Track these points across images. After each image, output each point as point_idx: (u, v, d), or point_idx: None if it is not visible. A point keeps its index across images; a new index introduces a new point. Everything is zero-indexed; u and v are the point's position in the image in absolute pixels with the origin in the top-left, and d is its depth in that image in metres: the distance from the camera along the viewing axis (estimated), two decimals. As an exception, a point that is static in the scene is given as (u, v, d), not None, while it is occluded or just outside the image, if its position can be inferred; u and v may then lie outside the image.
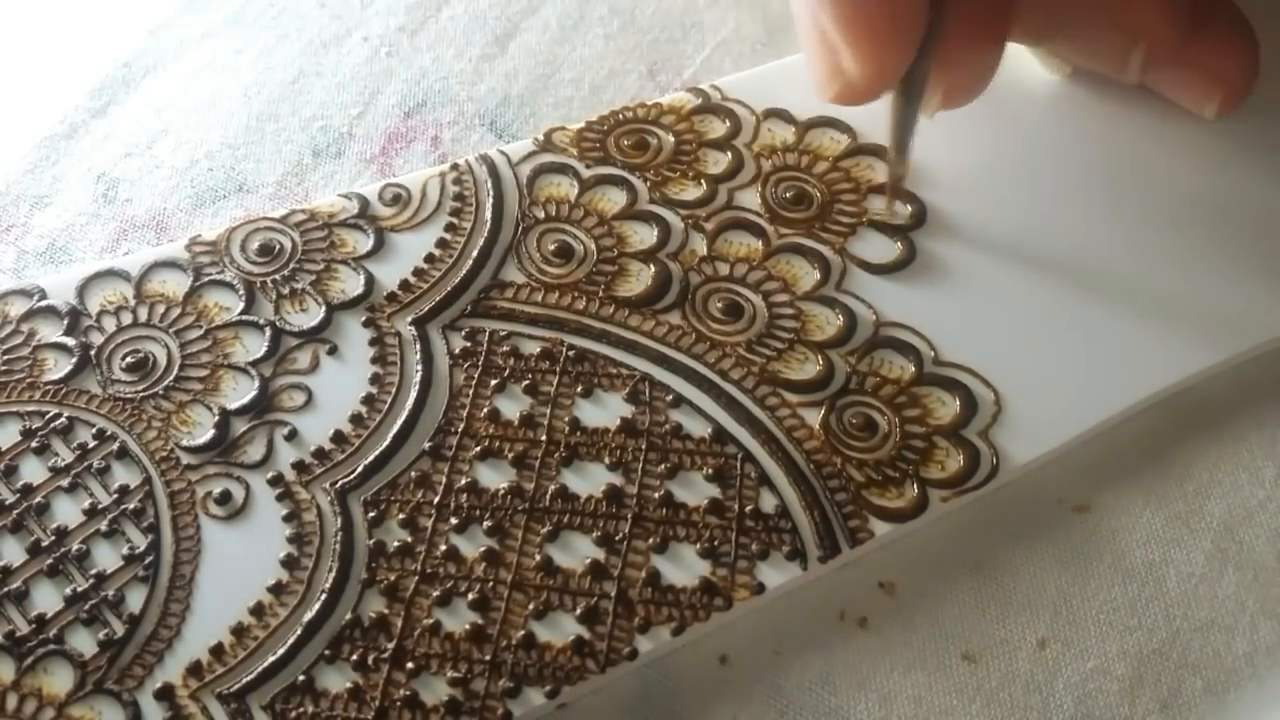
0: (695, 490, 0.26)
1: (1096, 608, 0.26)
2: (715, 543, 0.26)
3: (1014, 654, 0.25)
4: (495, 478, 0.26)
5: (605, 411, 0.27)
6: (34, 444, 0.26)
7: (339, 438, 0.27)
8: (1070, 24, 0.31)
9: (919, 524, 0.26)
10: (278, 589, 0.25)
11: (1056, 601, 0.26)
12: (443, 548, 0.25)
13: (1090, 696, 0.25)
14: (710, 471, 0.26)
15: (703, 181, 0.31)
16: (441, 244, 0.30)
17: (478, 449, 0.27)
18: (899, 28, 0.27)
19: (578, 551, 0.25)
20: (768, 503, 0.26)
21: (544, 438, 0.27)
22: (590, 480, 0.26)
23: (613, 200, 0.31)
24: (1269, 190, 0.32)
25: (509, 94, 0.34)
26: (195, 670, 0.24)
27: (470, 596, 0.25)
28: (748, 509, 0.26)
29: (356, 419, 0.27)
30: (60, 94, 0.34)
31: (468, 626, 0.24)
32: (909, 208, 0.31)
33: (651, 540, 0.26)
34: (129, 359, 0.28)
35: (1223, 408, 0.29)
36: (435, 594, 0.25)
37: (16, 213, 0.32)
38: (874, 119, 0.31)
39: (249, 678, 0.24)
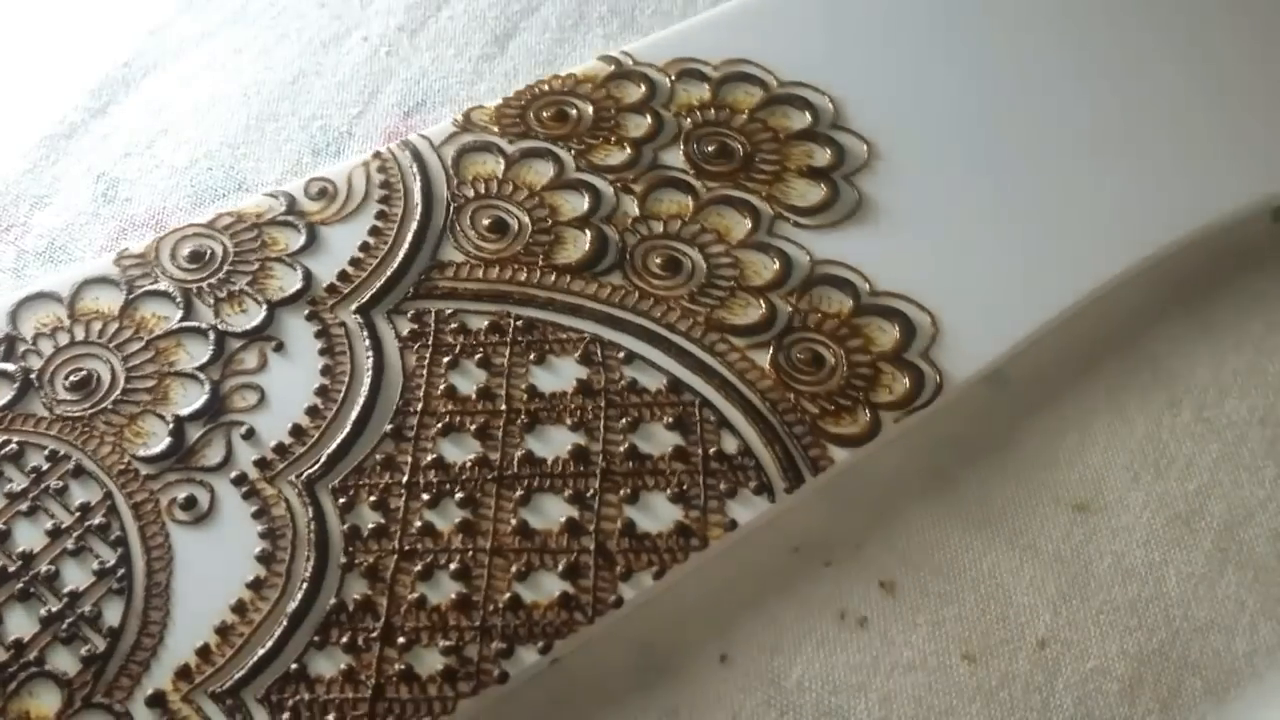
0: (658, 440, 0.27)
1: (1096, 608, 0.26)
2: (684, 487, 0.26)
3: (1014, 654, 0.25)
4: (460, 452, 0.27)
5: (560, 376, 0.28)
6: (-15, 473, 0.26)
7: (297, 431, 0.27)
8: None
9: (876, 446, 0.27)
10: (257, 584, 0.25)
11: (1056, 601, 0.26)
12: (417, 524, 0.26)
13: (1090, 696, 0.25)
14: (670, 420, 0.27)
15: (626, 145, 0.32)
16: (374, 232, 0.30)
17: (439, 426, 0.27)
18: None
19: (551, 512, 0.26)
20: (730, 444, 0.27)
21: (503, 407, 0.27)
22: (554, 443, 0.27)
23: (540, 172, 0.31)
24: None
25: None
26: (184, 674, 0.24)
27: (452, 567, 0.25)
28: (711, 451, 0.27)
29: (313, 411, 0.27)
30: (60, 94, 0.34)
31: (453, 596, 0.25)
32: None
33: (622, 492, 0.26)
34: (72, 378, 0.27)
35: (1225, 407, 0.29)
36: (416, 569, 0.25)
37: (16, 212, 0.32)
38: (788, 63, 0.32)
39: (240, 673, 0.24)
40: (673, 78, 0.33)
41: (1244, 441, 0.29)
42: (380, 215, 0.30)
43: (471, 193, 0.31)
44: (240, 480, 0.26)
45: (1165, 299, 0.31)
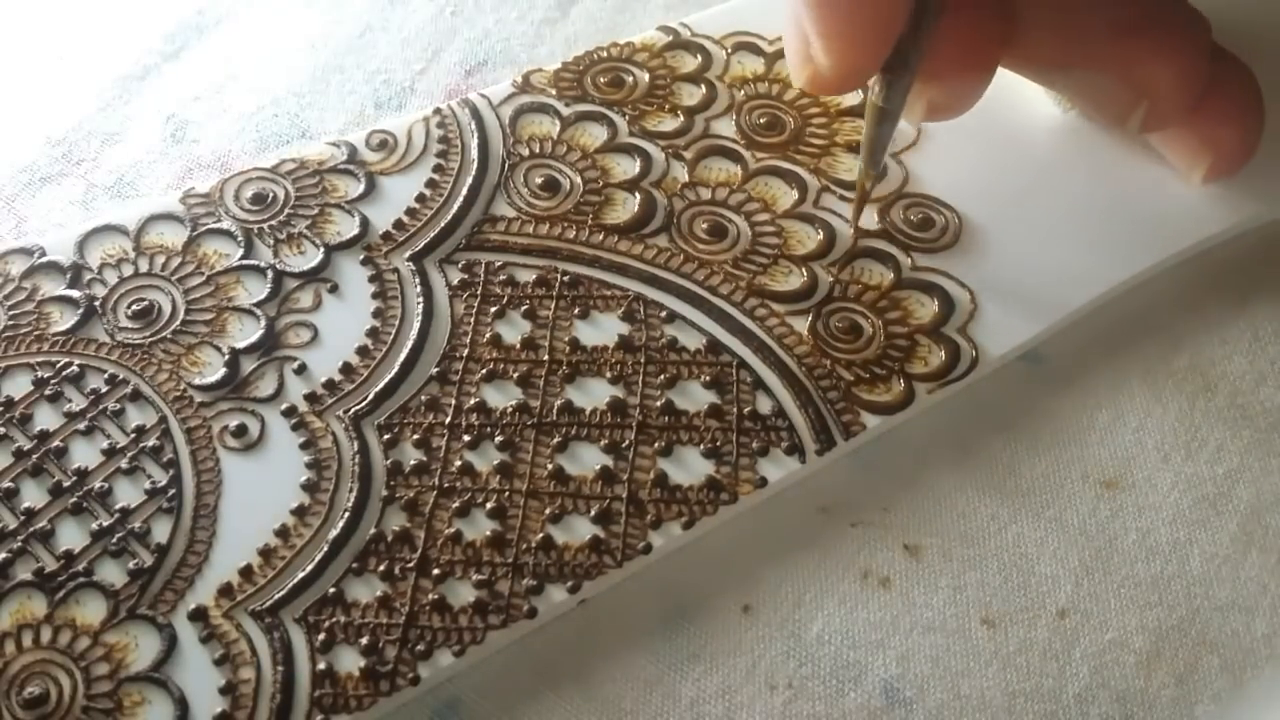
0: (694, 398, 0.28)
1: (1119, 582, 0.26)
2: (717, 443, 0.27)
3: (1033, 622, 0.26)
4: (501, 398, 0.27)
5: (602, 331, 0.29)
6: (47, 392, 0.27)
7: (347, 369, 0.28)
8: (1075, 68, 0.30)
9: (908, 415, 0.28)
10: (300, 511, 0.26)
11: (1079, 573, 0.26)
12: (457, 464, 0.26)
13: (1106, 667, 0.25)
14: (707, 379, 0.28)
15: (679, 113, 0.33)
16: (431, 184, 0.31)
17: (483, 372, 0.28)
18: (868, 28, 0.26)
19: (587, 460, 0.27)
20: (764, 404, 0.27)
21: (546, 358, 0.28)
22: (593, 395, 0.28)
23: (594, 135, 0.32)
24: None
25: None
26: (226, 591, 0.24)
27: (488, 506, 0.26)
28: (745, 411, 0.27)
29: (363, 351, 0.28)
30: (135, 37, 0.36)
31: (488, 534, 0.25)
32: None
33: (656, 445, 0.27)
34: (134, 307, 0.28)
35: (1260, 395, 0.29)
36: (454, 506, 0.26)
37: (88, 147, 0.33)
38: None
39: (280, 594, 0.24)
40: (729, 50, 0.34)
41: (1276, 429, 0.29)
42: (437, 169, 0.31)
43: (526, 152, 0.32)
44: (290, 412, 0.27)
45: (1207, 285, 0.31)
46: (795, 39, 0.28)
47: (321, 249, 0.29)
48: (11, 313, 0.28)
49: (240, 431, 0.27)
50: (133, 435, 0.26)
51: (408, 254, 0.30)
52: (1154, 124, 0.30)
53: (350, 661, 0.24)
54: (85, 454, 0.26)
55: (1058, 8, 0.29)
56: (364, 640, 0.24)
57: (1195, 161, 0.31)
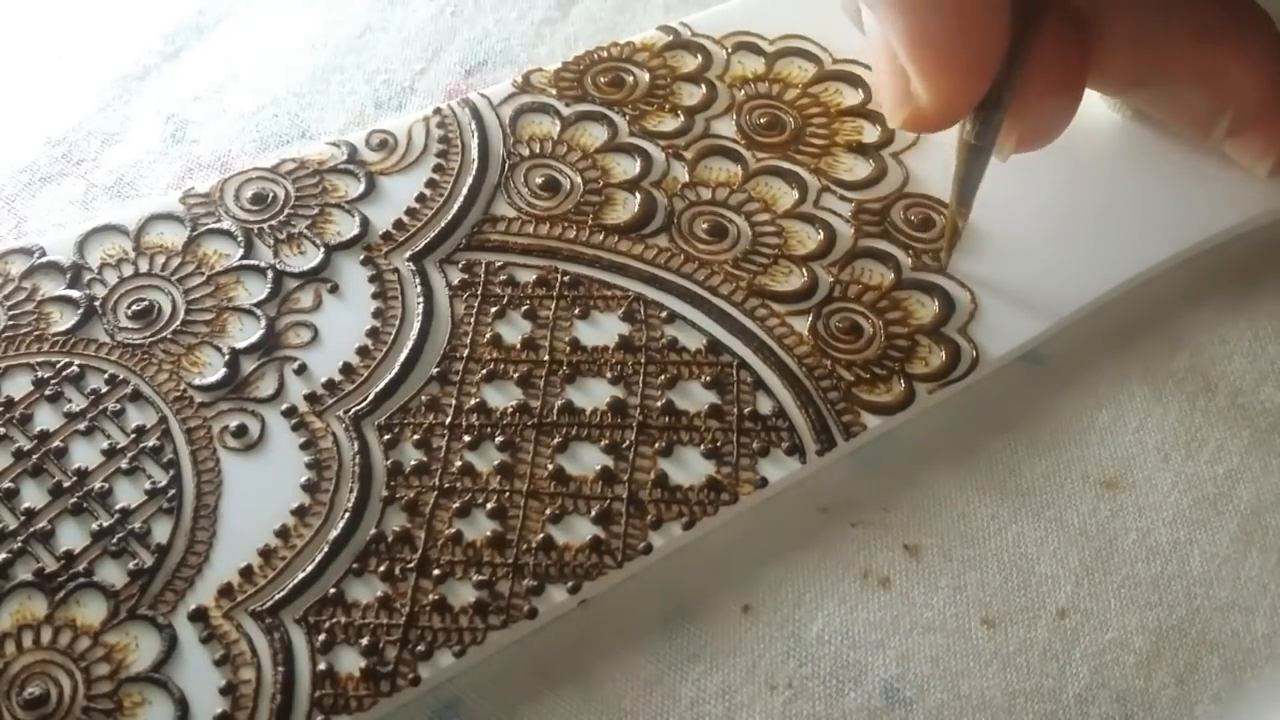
0: (694, 398, 0.28)
1: (1119, 582, 0.26)
2: (718, 444, 0.27)
3: (1033, 622, 0.25)
4: (502, 398, 0.27)
5: (602, 331, 0.29)
6: (47, 392, 0.27)
7: (347, 369, 0.28)
8: (1157, 82, 0.30)
9: (909, 415, 0.28)
10: (301, 511, 0.26)
11: (1079, 573, 0.26)
12: (458, 464, 0.26)
13: (1107, 667, 0.25)
14: (708, 379, 0.28)
15: (679, 113, 0.33)
16: (431, 184, 0.31)
17: (483, 372, 0.28)
18: (972, 57, 0.26)
19: (587, 460, 0.27)
20: (764, 405, 0.27)
21: (546, 358, 0.28)
22: (593, 395, 0.28)
23: (594, 135, 0.32)
24: None
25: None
26: (227, 592, 0.24)
27: (488, 507, 0.26)
28: (746, 411, 0.27)
29: (363, 351, 0.28)
30: (135, 37, 0.36)
31: (488, 534, 0.25)
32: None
33: (657, 445, 0.27)
34: (134, 307, 0.28)
35: (1261, 394, 0.29)
36: (454, 506, 0.26)
37: (88, 148, 0.33)
38: (841, 41, 0.33)
39: (280, 594, 0.24)
40: (729, 50, 0.34)
41: (1276, 429, 0.28)
42: (437, 169, 0.31)
43: (526, 151, 0.32)
44: (290, 412, 0.27)
45: (1207, 285, 0.31)
46: (891, 77, 0.27)
47: (321, 249, 0.29)
48: (11, 313, 0.28)
49: (240, 432, 0.27)
50: (133, 435, 0.26)
51: (408, 254, 0.30)
52: (1236, 130, 0.30)
53: (350, 662, 0.24)
54: (85, 454, 0.26)
55: (1136, 20, 0.28)
56: (364, 641, 0.24)
57: (1263, 155, 0.31)
